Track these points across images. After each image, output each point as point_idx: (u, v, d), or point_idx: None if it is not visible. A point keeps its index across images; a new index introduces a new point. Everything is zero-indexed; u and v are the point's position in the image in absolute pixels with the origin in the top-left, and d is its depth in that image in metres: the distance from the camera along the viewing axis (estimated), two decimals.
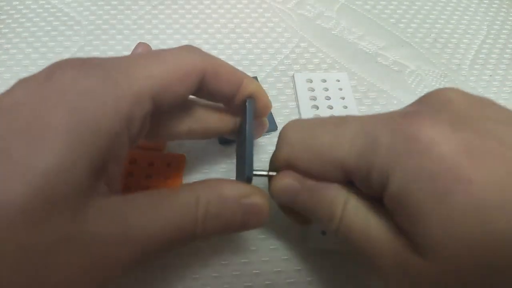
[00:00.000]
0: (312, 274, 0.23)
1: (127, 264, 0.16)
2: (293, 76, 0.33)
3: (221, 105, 0.23)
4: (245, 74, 0.21)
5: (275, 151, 0.20)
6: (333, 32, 0.38)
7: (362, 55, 0.36)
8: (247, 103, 0.21)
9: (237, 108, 0.22)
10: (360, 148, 0.17)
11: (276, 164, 0.20)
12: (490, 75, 0.36)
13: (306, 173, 0.18)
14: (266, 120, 0.25)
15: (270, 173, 0.20)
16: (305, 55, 0.36)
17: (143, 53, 0.18)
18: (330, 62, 0.35)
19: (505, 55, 0.38)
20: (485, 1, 0.43)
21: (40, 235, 0.14)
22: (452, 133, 0.15)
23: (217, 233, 0.18)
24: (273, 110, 0.30)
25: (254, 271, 0.23)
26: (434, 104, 0.17)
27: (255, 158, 0.24)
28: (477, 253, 0.14)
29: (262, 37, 0.37)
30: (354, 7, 0.41)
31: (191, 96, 0.21)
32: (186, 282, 0.23)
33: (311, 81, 0.33)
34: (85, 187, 0.15)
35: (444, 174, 0.15)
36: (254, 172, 0.20)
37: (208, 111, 0.22)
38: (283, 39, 0.37)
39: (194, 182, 0.19)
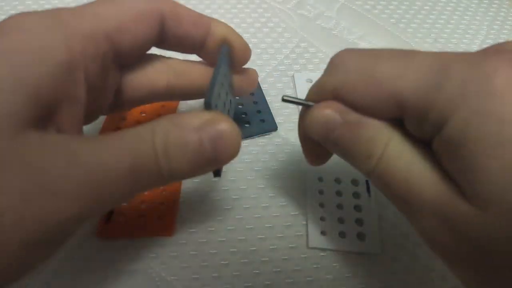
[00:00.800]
0: (312, 274, 0.23)
1: (82, 197, 0.14)
2: (293, 76, 0.34)
3: (203, 62, 0.22)
4: (213, 18, 0.21)
5: (320, 79, 0.19)
6: (333, 32, 0.38)
7: None
8: (222, 47, 0.20)
9: (212, 57, 0.21)
10: (427, 81, 0.15)
11: (319, 92, 0.19)
12: None
13: (353, 105, 0.17)
14: (254, 72, 0.24)
15: (309, 102, 0.19)
16: (305, 55, 0.36)
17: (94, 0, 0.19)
18: None
19: None
20: (485, 1, 0.43)
21: None
22: None
23: (187, 167, 0.16)
24: (273, 110, 0.30)
25: (254, 271, 0.23)
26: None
27: None
28: None
29: (262, 37, 0.37)
30: (354, 7, 0.41)
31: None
32: (186, 282, 0.23)
33: (311, 81, 0.33)
34: (24, 114, 0.14)
35: None
36: (290, 98, 0.19)
37: (189, 65, 0.22)
38: (283, 39, 0.37)
39: None
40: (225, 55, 0.20)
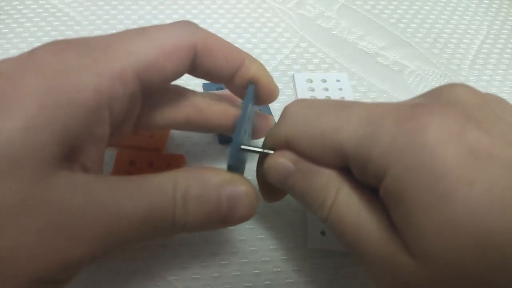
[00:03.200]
0: (311, 274, 0.23)
1: (95, 240, 0.15)
2: (293, 76, 0.34)
3: (223, 95, 0.22)
4: (247, 53, 0.20)
5: (274, 128, 0.19)
6: (333, 32, 0.38)
7: (362, 55, 0.36)
8: (248, 88, 0.20)
9: (238, 90, 0.21)
10: (361, 135, 0.16)
11: (273, 141, 0.19)
12: (490, 75, 0.36)
13: (304, 155, 0.18)
14: (271, 117, 0.25)
15: (265, 150, 0.19)
16: (305, 55, 0.36)
17: (128, 30, 0.18)
18: (330, 62, 0.35)
19: (505, 55, 0.38)
20: (485, 1, 0.43)
21: None
22: (459, 133, 0.14)
23: (201, 222, 0.17)
24: (273, 111, 0.30)
25: (254, 271, 0.23)
26: (443, 99, 0.16)
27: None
28: (471, 262, 0.14)
29: (262, 37, 0.37)
30: (354, 7, 0.41)
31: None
32: (186, 282, 0.23)
33: (311, 81, 0.33)
34: (52, 154, 0.14)
35: (445, 175, 0.14)
36: (248, 148, 0.19)
37: (208, 101, 0.22)
38: (283, 39, 0.37)
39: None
40: (250, 97, 0.20)
